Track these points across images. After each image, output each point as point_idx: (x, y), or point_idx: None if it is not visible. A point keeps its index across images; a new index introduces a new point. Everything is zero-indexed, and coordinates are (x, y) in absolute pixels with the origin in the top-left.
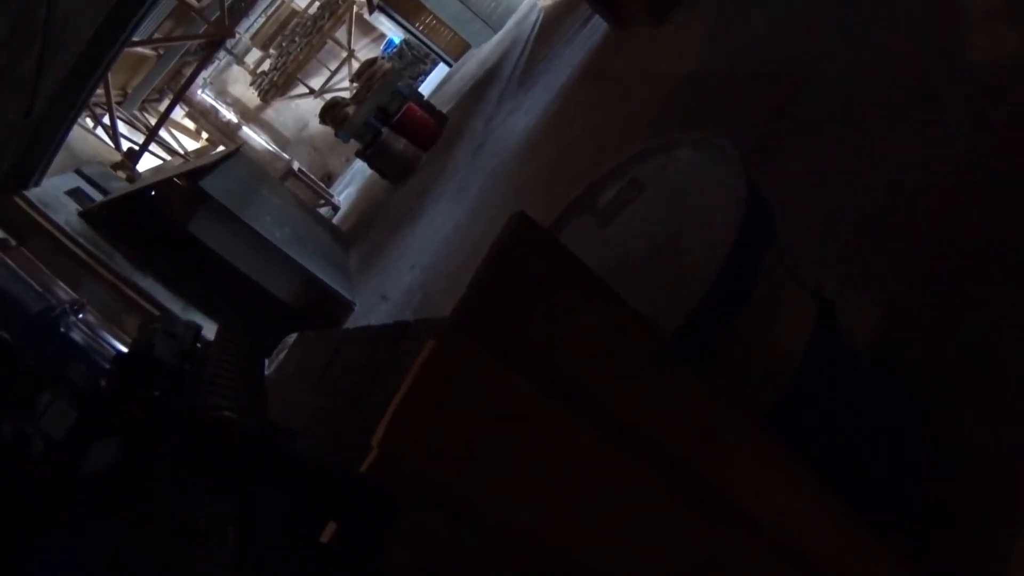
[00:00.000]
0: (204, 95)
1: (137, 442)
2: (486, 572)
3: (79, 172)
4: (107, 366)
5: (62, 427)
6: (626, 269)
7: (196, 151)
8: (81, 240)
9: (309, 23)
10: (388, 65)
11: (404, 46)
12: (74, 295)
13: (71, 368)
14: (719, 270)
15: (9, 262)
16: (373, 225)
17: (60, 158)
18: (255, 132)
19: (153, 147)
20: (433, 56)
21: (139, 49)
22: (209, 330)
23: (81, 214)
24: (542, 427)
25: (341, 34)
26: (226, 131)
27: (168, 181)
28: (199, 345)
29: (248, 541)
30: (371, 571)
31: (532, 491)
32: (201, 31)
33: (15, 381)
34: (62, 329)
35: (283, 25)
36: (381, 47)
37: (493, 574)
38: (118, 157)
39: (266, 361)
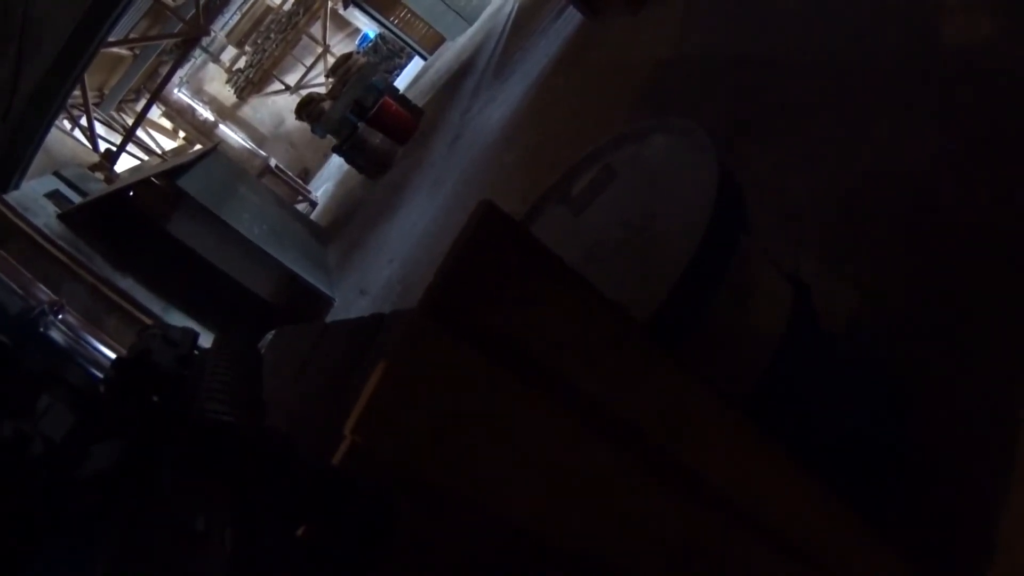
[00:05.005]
0: (181, 94)
1: (136, 445)
2: (463, 559)
3: (57, 174)
4: (90, 367)
5: (61, 429)
6: (601, 255)
7: (174, 150)
8: (60, 242)
9: (284, 19)
10: (363, 60)
11: (379, 40)
12: (53, 296)
13: (69, 371)
14: (693, 254)
15: None
16: (351, 220)
17: (38, 161)
18: (232, 130)
19: (131, 147)
20: (408, 50)
21: (115, 49)
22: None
23: (60, 216)
24: (514, 412)
25: (316, 30)
26: (203, 129)
27: (146, 181)
28: (196, 351)
29: (246, 543)
30: (366, 571)
31: (506, 476)
32: (177, 30)
33: (15, 383)
34: (42, 329)
35: (258, 22)
36: (356, 42)
37: (471, 560)
38: (96, 158)
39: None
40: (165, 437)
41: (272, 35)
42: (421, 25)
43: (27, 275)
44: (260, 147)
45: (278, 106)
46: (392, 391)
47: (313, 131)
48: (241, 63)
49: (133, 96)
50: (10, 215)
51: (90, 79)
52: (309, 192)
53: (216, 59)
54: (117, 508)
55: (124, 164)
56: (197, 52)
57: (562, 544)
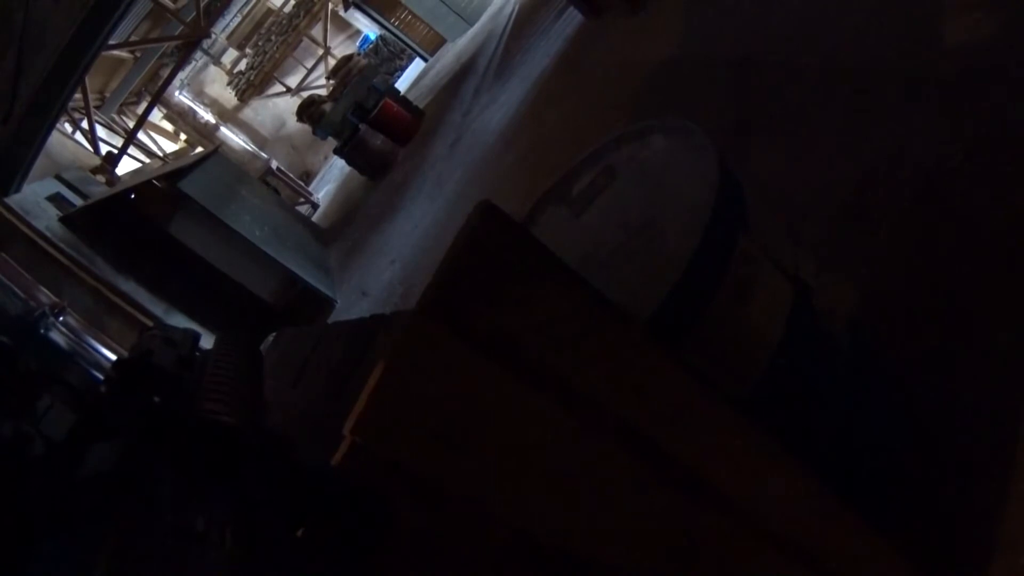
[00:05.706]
0: (182, 96)
1: (136, 446)
2: (463, 559)
3: (59, 177)
4: (92, 369)
5: (62, 429)
6: (601, 256)
7: (175, 153)
8: (62, 245)
9: (285, 21)
10: (364, 61)
11: (380, 42)
12: (55, 298)
13: (70, 372)
14: (693, 254)
15: None
16: (353, 222)
17: (39, 164)
18: (233, 132)
19: (132, 150)
20: (409, 51)
21: (116, 52)
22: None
23: (62, 219)
24: (512, 411)
25: (317, 31)
26: (204, 132)
27: (147, 183)
28: (197, 353)
29: (246, 543)
30: (367, 571)
31: (505, 476)
32: (177, 32)
33: (15, 383)
34: (43, 331)
35: (259, 24)
36: (357, 43)
37: (471, 560)
38: (97, 161)
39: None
40: (165, 437)
41: (273, 37)
42: (422, 26)
43: (28, 278)
44: (261, 149)
45: (279, 108)
46: (392, 391)
47: (314, 133)
48: (242, 65)
49: (134, 99)
50: (11, 218)
51: (91, 82)
52: (310, 194)
53: (217, 61)
54: (117, 508)
55: (125, 167)
56: (198, 54)
57: (562, 544)
